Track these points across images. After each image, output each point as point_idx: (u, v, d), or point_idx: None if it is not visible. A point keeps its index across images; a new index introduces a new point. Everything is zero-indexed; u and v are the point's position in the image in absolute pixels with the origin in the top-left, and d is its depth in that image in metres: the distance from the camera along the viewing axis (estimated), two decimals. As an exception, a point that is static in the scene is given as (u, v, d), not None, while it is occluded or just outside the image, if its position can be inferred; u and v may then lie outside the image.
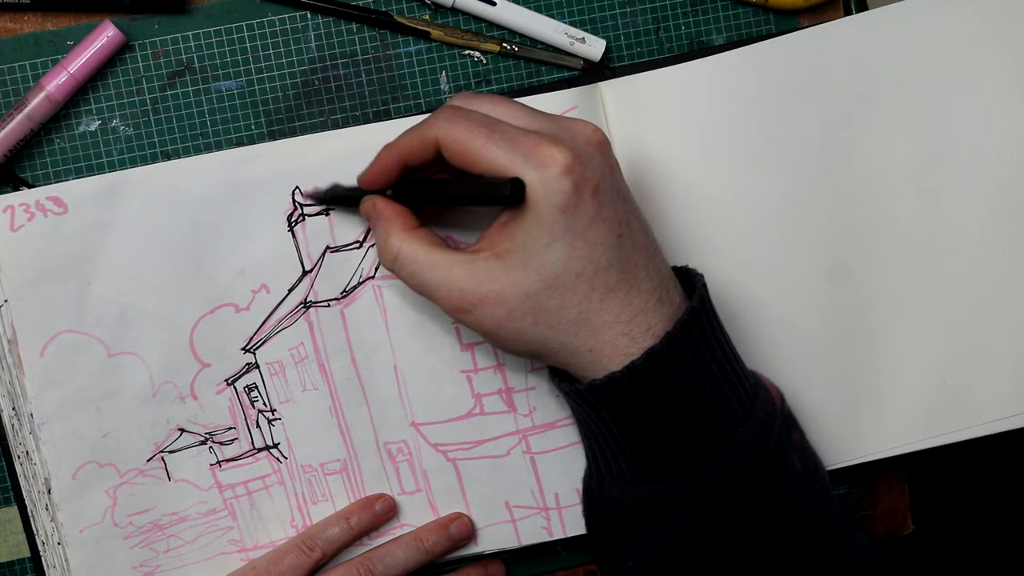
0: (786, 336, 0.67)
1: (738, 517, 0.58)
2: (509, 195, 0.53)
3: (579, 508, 0.66)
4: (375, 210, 0.60)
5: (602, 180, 0.55)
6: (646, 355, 0.55)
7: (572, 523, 0.67)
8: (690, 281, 0.59)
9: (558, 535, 0.67)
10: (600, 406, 0.56)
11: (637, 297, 0.56)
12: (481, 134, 0.55)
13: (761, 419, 0.58)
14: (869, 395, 0.68)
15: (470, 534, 0.66)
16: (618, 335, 0.56)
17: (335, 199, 0.63)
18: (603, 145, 0.57)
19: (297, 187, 0.63)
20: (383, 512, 0.66)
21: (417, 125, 0.58)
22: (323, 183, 0.63)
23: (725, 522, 0.57)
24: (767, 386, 0.61)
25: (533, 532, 0.67)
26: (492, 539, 0.67)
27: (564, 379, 0.59)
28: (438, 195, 0.59)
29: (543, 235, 0.54)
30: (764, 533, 0.58)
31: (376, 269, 0.64)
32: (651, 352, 0.55)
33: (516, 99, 0.59)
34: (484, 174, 0.55)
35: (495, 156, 0.54)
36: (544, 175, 0.54)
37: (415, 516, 0.66)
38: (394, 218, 0.59)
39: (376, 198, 0.60)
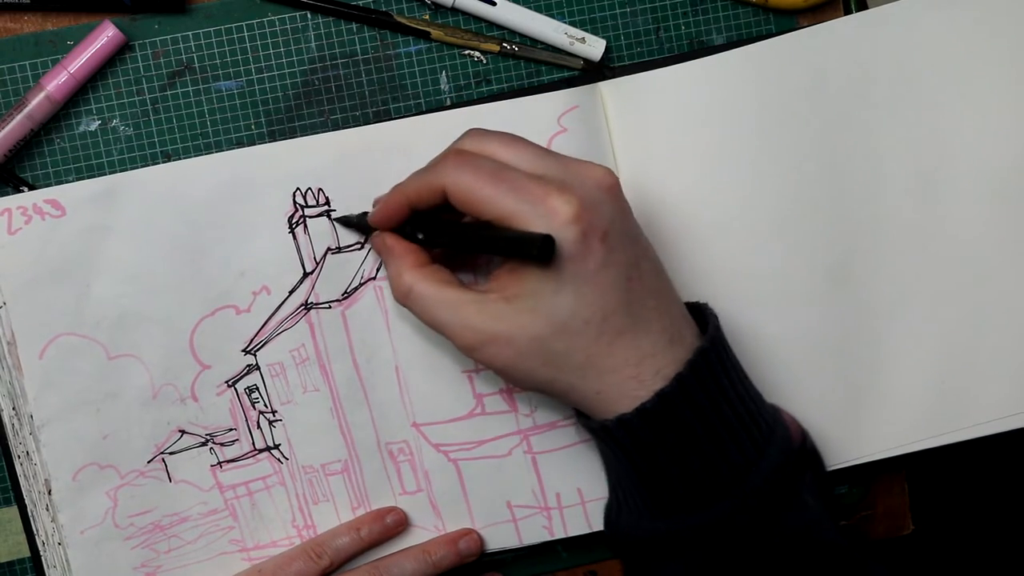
0: (786, 336, 0.67)
1: (751, 554, 0.57)
2: (538, 255, 0.53)
3: (580, 508, 0.66)
4: (385, 246, 0.60)
5: (611, 225, 0.55)
6: (656, 396, 0.55)
7: (573, 523, 0.67)
8: (703, 318, 0.59)
9: (559, 535, 0.67)
10: (613, 444, 0.57)
11: (646, 339, 0.56)
12: (489, 183, 0.55)
13: (775, 458, 0.57)
14: (869, 395, 0.67)
15: (479, 550, 0.66)
16: (625, 379, 0.55)
17: (361, 227, 0.63)
18: (614, 188, 0.56)
19: (298, 188, 0.63)
20: (394, 525, 0.66)
21: (426, 170, 0.58)
22: (323, 184, 0.63)
23: (736, 558, 0.57)
24: (787, 423, 0.60)
25: (534, 532, 0.67)
26: (493, 539, 0.67)
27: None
28: (464, 241, 0.59)
29: (551, 283, 0.54)
30: (777, 570, 0.58)
31: (377, 270, 0.64)
32: (661, 393, 0.55)
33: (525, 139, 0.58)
34: (492, 221, 0.55)
35: (503, 205, 0.54)
36: (552, 225, 0.53)
37: (416, 516, 0.66)
38: (405, 255, 0.58)
39: (386, 234, 0.60)
